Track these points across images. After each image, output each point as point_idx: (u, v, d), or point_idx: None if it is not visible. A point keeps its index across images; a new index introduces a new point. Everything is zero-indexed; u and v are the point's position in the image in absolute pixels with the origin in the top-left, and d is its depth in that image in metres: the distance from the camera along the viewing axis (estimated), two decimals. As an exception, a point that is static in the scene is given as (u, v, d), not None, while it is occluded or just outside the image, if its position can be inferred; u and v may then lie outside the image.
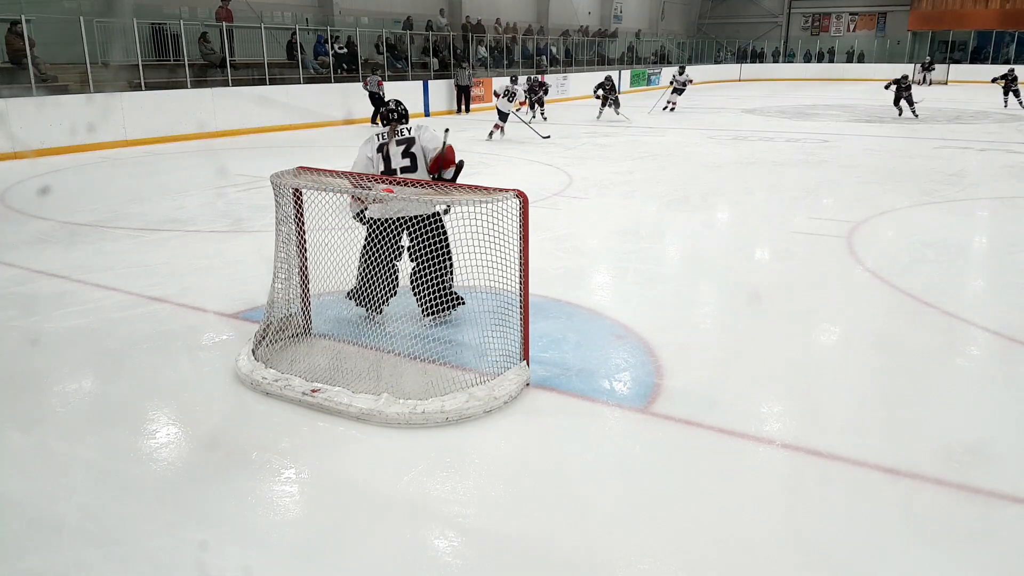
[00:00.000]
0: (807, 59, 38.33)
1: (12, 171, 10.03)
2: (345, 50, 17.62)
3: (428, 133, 4.42)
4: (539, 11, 28.53)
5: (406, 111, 4.54)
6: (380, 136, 4.39)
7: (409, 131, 4.40)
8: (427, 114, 18.75)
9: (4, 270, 5.72)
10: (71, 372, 4.02)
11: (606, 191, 8.98)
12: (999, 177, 9.93)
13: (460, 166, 4.46)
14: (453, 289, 4.30)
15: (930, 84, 29.84)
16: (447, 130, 4.63)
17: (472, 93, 19.59)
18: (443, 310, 4.28)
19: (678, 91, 20.35)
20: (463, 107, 19.08)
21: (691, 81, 20.67)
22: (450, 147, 4.37)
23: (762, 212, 8.04)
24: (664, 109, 20.20)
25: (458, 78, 19.06)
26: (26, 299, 5.09)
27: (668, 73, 31.36)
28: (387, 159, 4.33)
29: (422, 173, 4.34)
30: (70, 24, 12.53)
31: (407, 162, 4.35)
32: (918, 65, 31.37)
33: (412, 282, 4.27)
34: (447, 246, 4.09)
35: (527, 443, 3.32)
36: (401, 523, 2.72)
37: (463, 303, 4.33)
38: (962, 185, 9.32)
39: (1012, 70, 20.50)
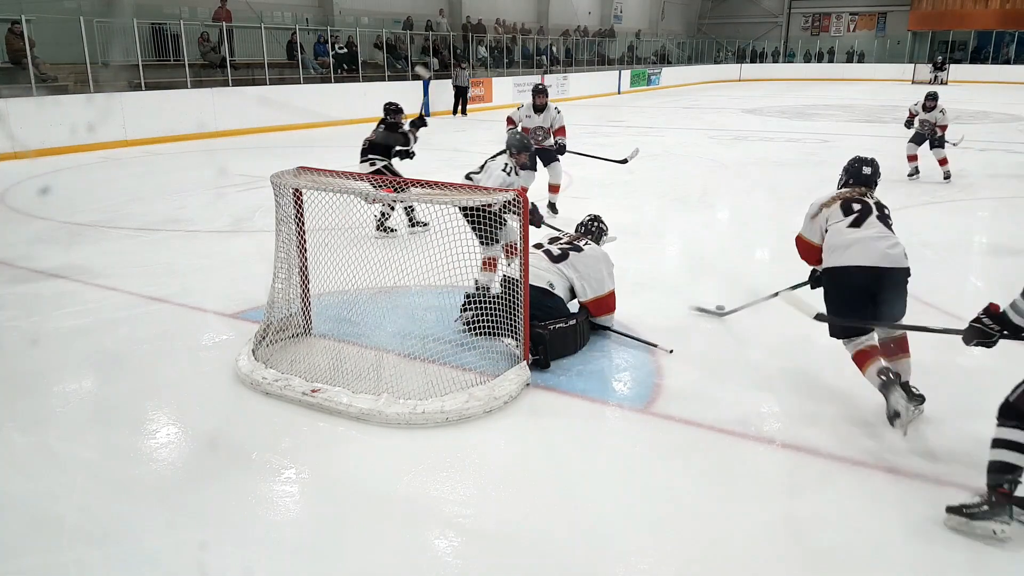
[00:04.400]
0: (807, 59, 38.33)
1: (12, 171, 10.02)
2: (345, 50, 17.62)
3: (592, 263, 4.31)
4: (539, 11, 28.52)
5: (598, 229, 4.64)
6: (562, 237, 4.50)
7: (587, 243, 4.43)
8: (427, 114, 18.73)
9: (4, 270, 5.72)
10: (71, 372, 4.02)
11: (606, 191, 8.98)
12: (999, 177, 9.93)
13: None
14: None
15: (943, 84, 29.85)
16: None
17: (471, 94, 19.52)
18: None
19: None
20: (460, 109, 18.95)
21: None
22: (612, 291, 4.29)
23: (762, 212, 8.03)
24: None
25: (456, 79, 18.96)
26: (26, 299, 5.09)
27: (668, 74, 31.46)
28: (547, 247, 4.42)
29: (561, 270, 4.25)
30: (70, 24, 12.52)
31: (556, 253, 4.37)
32: (929, 64, 31.41)
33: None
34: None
35: (527, 443, 3.32)
36: (401, 523, 2.72)
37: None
38: (962, 185, 9.31)
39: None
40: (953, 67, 31.56)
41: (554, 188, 7.55)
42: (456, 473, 3.03)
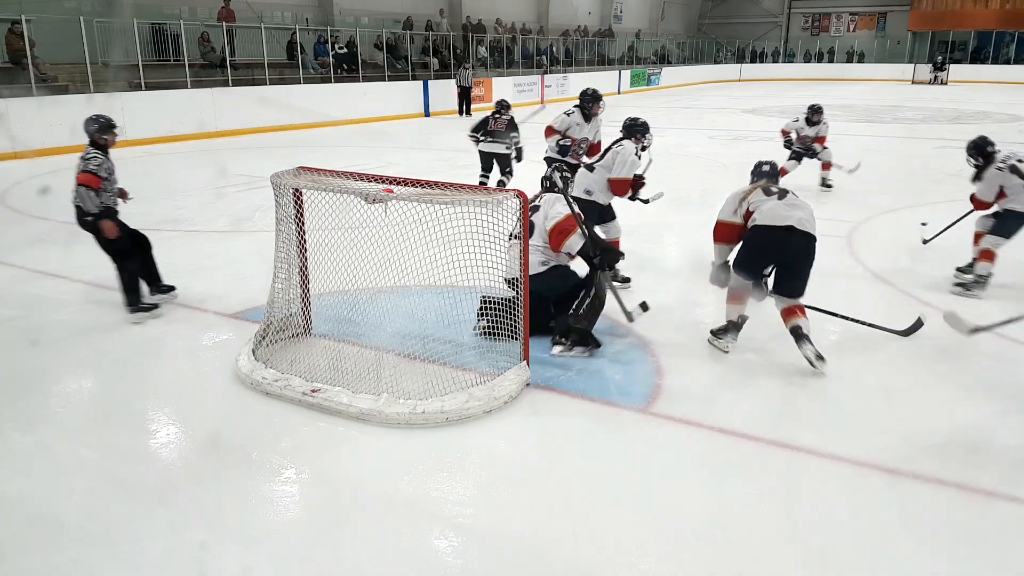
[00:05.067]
0: (807, 59, 38.32)
1: (12, 171, 10.03)
2: (345, 50, 17.61)
3: (550, 208, 4.25)
4: (539, 11, 28.52)
5: (563, 179, 4.32)
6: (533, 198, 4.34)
7: (541, 198, 4.33)
8: (427, 114, 18.74)
9: (4, 270, 5.73)
10: (71, 372, 4.02)
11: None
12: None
13: (606, 252, 4.31)
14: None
15: (943, 84, 29.86)
16: (554, 170, 4.43)
17: (472, 94, 19.48)
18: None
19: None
20: (465, 109, 18.89)
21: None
22: (567, 216, 4.18)
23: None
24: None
25: (459, 79, 18.91)
26: (26, 299, 5.09)
27: (668, 74, 31.45)
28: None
29: (537, 240, 4.19)
30: (70, 24, 12.52)
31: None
32: (929, 64, 31.42)
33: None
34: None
35: (527, 443, 3.32)
36: (401, 523, 2.72)
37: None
38: (962, 185, 9.29)
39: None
40: (953, 67, 31.57)
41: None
42: (456, 473, 3.03)
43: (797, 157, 9.13)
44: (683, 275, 5.93)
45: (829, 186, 9.11)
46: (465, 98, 18.85)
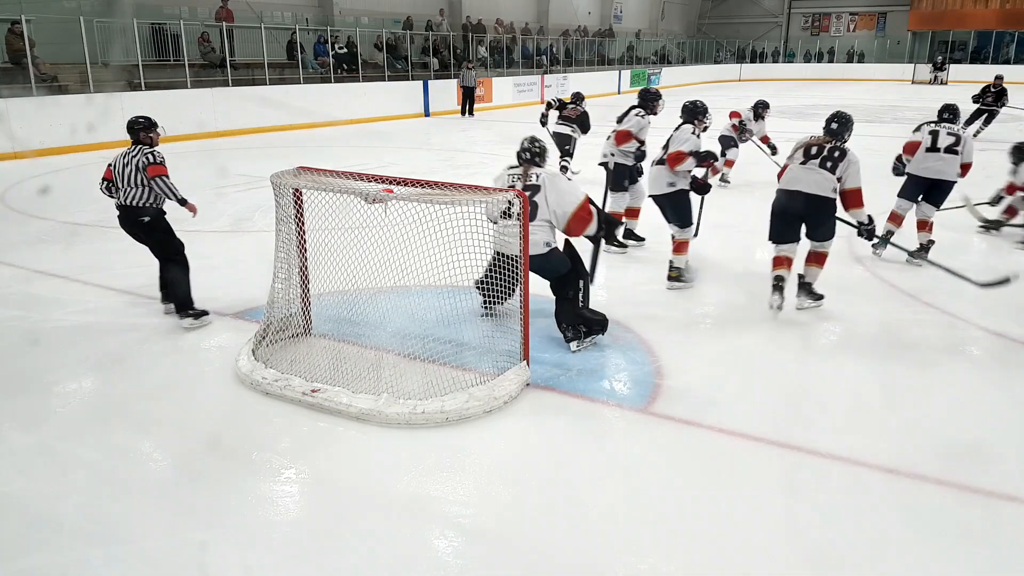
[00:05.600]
0: (807, 59, 38.31)
1: (12, 171, 10.02)
2: (345, 50, 17.61)
3: (557, 190, 4.15)
4: (539, 11, 28.51)
5: (541, 150, 4.33)
6: (513, 176, 4.26)
7: (538, 176, 4.21)
8: (427, 114, 18.73)
9: (4, 270, 5.72)
10: (71, 372, 4.02)
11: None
12: (999, 177, 9.92)
13: (610, 225, 4.34)
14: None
15: (943, 84, 29.82)
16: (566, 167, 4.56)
17: (475, 94, 19.45)
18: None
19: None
20: (468, 110, 18.86)
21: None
22: (583, 202, 4.13)
23: (762, 212, 8.01)
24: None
25: (463, 79, 18.87)
26: (26, 299, 5.09)
27: (668, 74, 31.44)
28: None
29: (540, 220, 4.12)
30: (70, 24, 12.51)
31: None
32: (929, 64, 31.39)
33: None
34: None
35: (527, 443, 3.32)
36: (401, 523, 2.72)
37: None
38: (962, 185, 9.28)
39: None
40: (953, 67, 31.54)
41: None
42: (456, 473, 3.03)
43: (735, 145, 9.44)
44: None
45: (727, 182, 9.45)
46: (468, 98, 18.79)
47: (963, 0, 34.89)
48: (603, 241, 4.41)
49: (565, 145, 9.31)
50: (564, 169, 9.06)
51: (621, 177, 6.33)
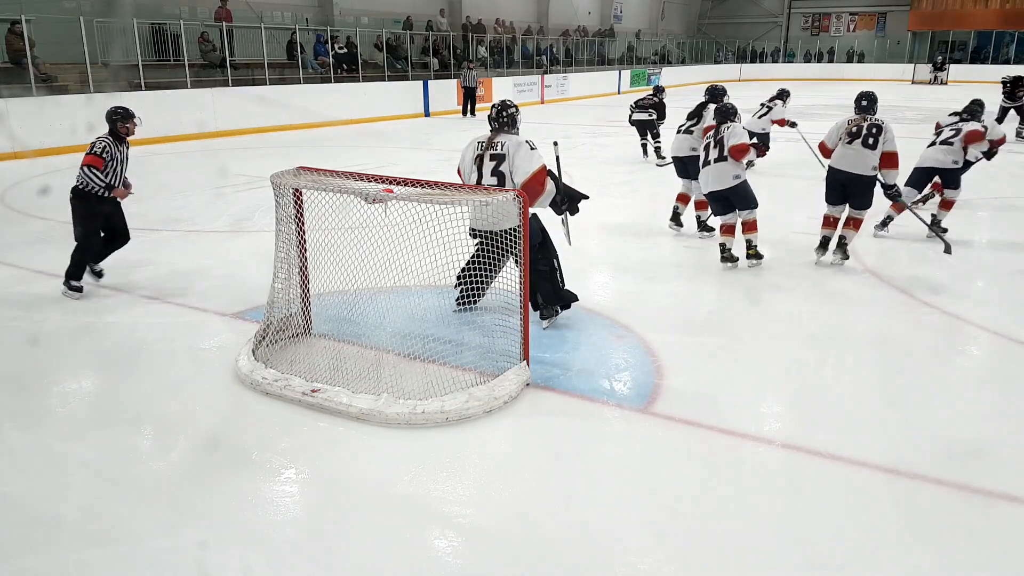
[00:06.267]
0: (807, 59, 38.32)
1: (12, 171, 10.03)
2: (345, 50, 17.61)
3: (521, 155, 4.12)
4: (539, 11, 28.51)
5: (512, 117, 4.32)
6: (480, 144, 4.25)
7: (503, 146, 4.18)
8: (427, 115, 18.73)
9: (4, 270, 5.72)
10: (71, 372, 4.02)
11: (606, 191, 8.97)
12: (999, 177, 9.92)
13: (571, 198, 4.37)
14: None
15: (943, 84, 29.82)
16: (556, 143, 4.72)
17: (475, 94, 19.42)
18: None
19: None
20: (469, 110, 18.83)
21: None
22: (538, 170, 4.11)
23: (762, 212, 8.00)
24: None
25: (464, 79, 18.84)
26: (26, 299, 5.08)
27: (668, 74, 31.44)
28: (480, 172, 4.20)
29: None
30: (70, 24, 12.52)
31: (495, 180, 4.16)
32: (929, 65, 31.38)
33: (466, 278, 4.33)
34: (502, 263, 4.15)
35: (527, 443, 3.32)
36: (401, 523, 2.72)
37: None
38: (962, 185, 9.29)
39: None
40: (953, 67, 31.55)
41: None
42: (456, 473, 3.03)
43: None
44: (683, 275, 5.93)
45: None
46: (470, 98, 18.74)
47: (963, 0, 34.88)
48: (568, 213, 4.53)
49: (648, 129, 10.92)
50: (658, 150, 10.90)
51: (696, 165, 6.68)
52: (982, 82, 30.10)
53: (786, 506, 2.86)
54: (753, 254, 5.85)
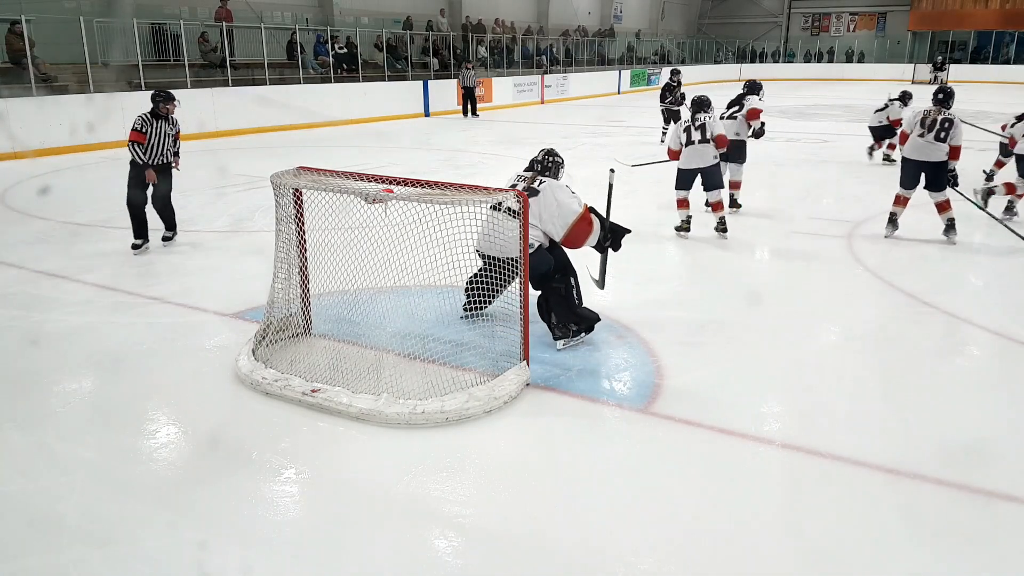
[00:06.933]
0: (807, 59, 38.31)
1: (12, 171, 10.02)
2: (345, 50, 17.61)
3: (557, 201, 4.07)
4: (539, 11, 28.51)
5: (556, 165, 4.31)
6: (520, 179, 4.25)
7: (541, 183, 4.16)
8: (427, 115, 18.74)
9: (4, 270, 5.73)
10: (71, 372, 4.02)
11: (606, 191, 8.96)
12: (999, 177, 9.92)
13: (616, 233, 4.28)
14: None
15: (942, 84, 29.84)
16: (612, 171, 4.56)
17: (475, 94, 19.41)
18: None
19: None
20: (470, 110, 18.82)
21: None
22: (584, 210, 4.11)
23: (762, 212, 8.03)
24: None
25: (463, 79, 18.84)
26: (26, 299, 5.08)
27: (668, 74, 31.44)
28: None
29: (532, 220, 4.00)
30: (70, 24, 12.51)
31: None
32: (929, 64, 31.39)
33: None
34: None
35: (527, 443, 3.32)
36: (401, 523, 2.72)
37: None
38: (962, 185, 9.29)
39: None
40: (953, 67, 31.53)
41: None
42: (456, 473, 3.03)
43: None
44: (683, 275, 5.93)
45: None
46: (469, 98, 18.73)
47: (963, 0, 34.88)
48: (610, 250, 4.36)
49: (674, 120, 12.10)
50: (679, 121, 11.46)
51: (742, 150, 7.68)
52: (982, 82, 30.17)
53: (786, 506, 2.86)
54: (722, 228, 6.59)
